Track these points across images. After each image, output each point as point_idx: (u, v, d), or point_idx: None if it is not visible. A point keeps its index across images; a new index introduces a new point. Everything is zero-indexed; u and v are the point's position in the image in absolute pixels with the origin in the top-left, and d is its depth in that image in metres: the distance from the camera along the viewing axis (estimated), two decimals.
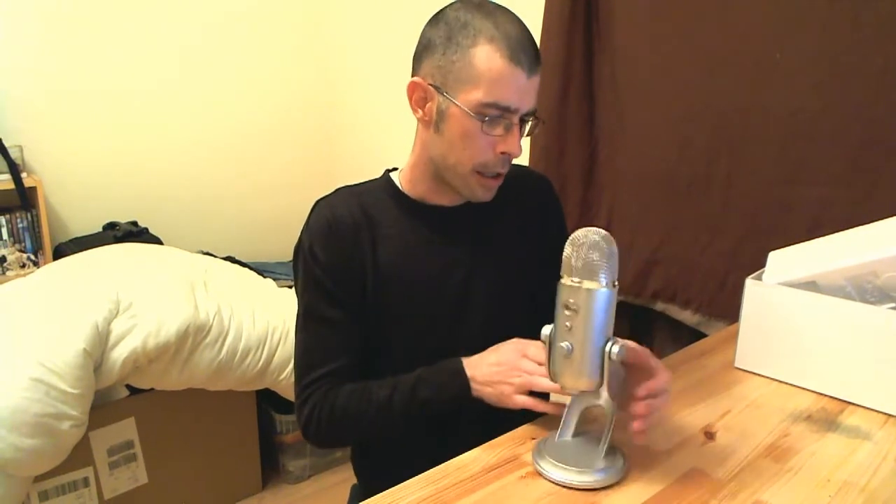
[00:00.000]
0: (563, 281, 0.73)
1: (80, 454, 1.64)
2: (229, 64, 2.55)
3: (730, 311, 1.46)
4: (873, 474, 0.77)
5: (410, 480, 0.75)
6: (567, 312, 0.72)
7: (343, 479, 2.15)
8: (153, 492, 1.83)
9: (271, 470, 2.15)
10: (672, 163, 1.54)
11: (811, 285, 0.96)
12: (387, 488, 0.74)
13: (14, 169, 2.04)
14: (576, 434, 0.81)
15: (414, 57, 0.89)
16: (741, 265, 1.42)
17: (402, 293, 0.93)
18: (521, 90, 0.83)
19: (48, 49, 2.16)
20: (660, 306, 1.63)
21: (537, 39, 1.69)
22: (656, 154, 1.58)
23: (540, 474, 0.76)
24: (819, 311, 0.94)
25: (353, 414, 0.90)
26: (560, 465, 0.75)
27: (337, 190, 0.98)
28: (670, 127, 1.54)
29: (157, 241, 2.25)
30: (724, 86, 1.43)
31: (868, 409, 0.91)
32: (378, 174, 1.02)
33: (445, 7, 0.87)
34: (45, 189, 2.13)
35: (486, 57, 0.81)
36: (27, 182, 2.07)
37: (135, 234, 2.23)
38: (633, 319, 1.70)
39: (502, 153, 0.86)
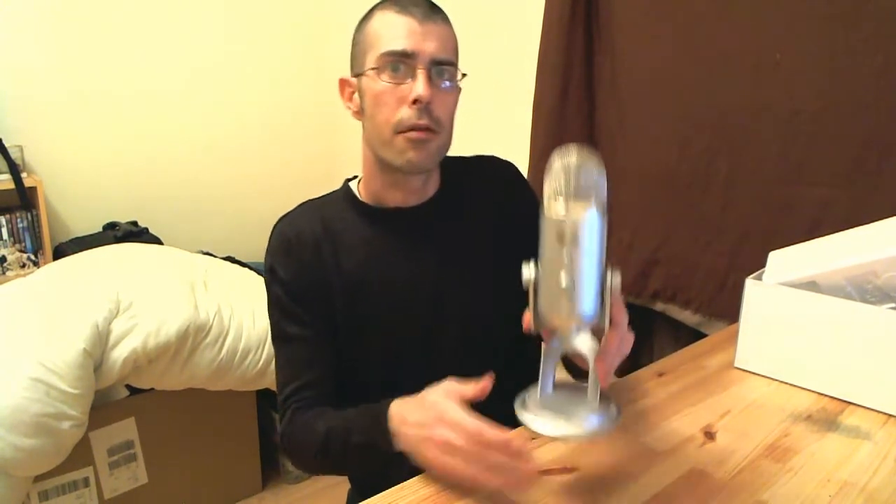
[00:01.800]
0: (552, 212, 0.64)
1: (80, 454, 1.64)
2: (229, 63, 2.55)
3: (730, 311, 1.46)
4: (873, 474, 0.77)
5: (410, 480, 0.75)
6: (563, 245, 0.63)
7: (343, 479, 2.14)
8: (153, 492, 1.83)
9: (271, 470, 2.15)
10: (672, 163, 1.54)
11: (811, 285, 0.96)
12: (381, 490, 0.73)
13: (14, 169, 2.04)
14: (559, 386, 0.72)
15: None
16: (741, 265, 1.42)
17: (373, 303, 0.91)
18: (415, 34, 0.84)
19: (48, 49, 2.16)
20: (660, 306, 1.63)
21: (537, 39, 1.73)
22: (656, 154, 1.57)
23: (528, 429, 0.68)
24: (819, 311, 0.93)
25: (303, 446, 0.87)
26: (547, 415, 0.67)
27: (299, 205, 0.97)
28: (670, 127, 1.53)
29: (157, 241, 2.26)
30: (724, 86, 1.43)
31: (868, 409, 0.91)
32: None
33: None
34: (45, 189, 2.13)
35: (378, 19, 0.86)
36: (27, 182, 2.07)
37: (135, 234, 2.23)
38: (633, 319, 1.70)
39: (414, 102, 0.83)
